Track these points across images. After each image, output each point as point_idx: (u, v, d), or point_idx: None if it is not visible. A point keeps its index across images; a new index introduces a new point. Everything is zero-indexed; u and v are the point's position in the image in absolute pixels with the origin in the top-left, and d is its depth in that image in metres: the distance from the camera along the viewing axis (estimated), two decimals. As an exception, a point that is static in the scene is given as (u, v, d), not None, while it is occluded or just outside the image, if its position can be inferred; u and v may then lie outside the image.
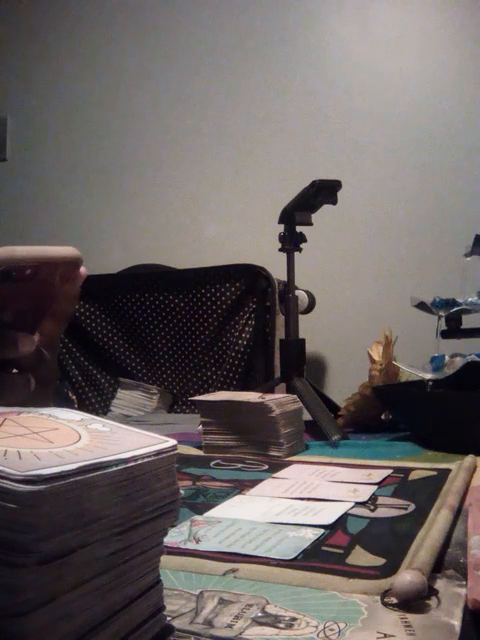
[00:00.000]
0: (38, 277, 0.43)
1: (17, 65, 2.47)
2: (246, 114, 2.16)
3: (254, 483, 0.71)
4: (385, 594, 0.41)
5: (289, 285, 1.20)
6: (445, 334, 1.07)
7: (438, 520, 0.53)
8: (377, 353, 1.13)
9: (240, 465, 0.83)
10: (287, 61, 2.12)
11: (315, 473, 0.75)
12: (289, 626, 0.37)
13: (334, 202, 1.13)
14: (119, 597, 0.31)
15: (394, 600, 0.40)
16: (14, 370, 0.44)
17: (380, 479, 0.72)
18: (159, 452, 0.33)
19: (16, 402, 0.42)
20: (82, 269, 0.45)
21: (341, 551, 0.50)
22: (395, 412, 1.09)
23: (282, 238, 1.19)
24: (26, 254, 0.40)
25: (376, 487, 0.69)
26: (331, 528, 0.55)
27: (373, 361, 1.12)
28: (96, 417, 0.37)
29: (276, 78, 2.13)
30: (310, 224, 1.16)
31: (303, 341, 1.20)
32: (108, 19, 2.35)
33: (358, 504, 0.62)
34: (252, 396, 0.91)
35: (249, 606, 0.40)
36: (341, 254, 2.02)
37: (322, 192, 1.12)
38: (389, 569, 0.45)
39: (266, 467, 0.81)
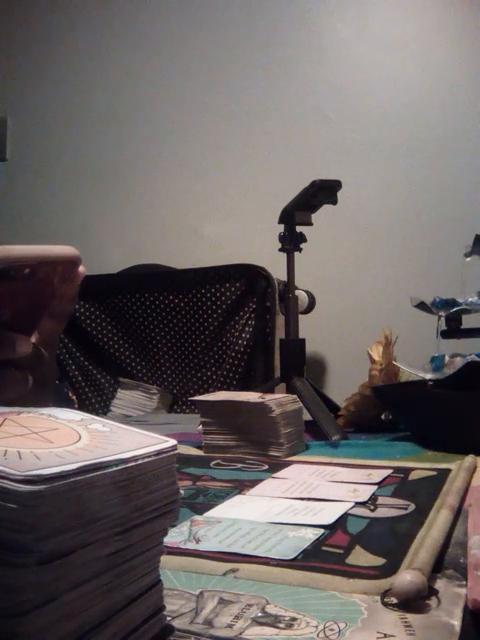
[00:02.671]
0: (36, 276, 0.43)
1: (17, 65, 2.47)
2: (246, 114, 2.16)
3: (254, 483, 0.71)
4: (385, 594, 0.41)
5: (289, 285, 1.20)
6: (445, 334, 1.07)
7: (438, 520, 0.53)
8: (377, 353, 1.13)
9: (240, 465, 0.83)
10: (287, 61, 2.12)
11: (315, 473, 0.75)
12: (289, 626, 0.37)
13: (334, 202, 1.13)
14: (119, 597, 0.31)
15: (394, 600, 0.40)
16: (12, 369, 0.44)
17: (380, 479, 0.72)
18: (159, 452, 0.33)
19: (13, 398, 0.42)
20: (80, 268, 0.45)
21: (341, 551, 0.50)
22: (395, 412, 1.09)
23: (282, 238, 1.18)
24: (23, 253, 0.40)
25: (376, 487, 0.69)
26: (331, 528, 0.55)
27: (373, 361, 1.12)
28: (96, 417, 0.37)
29: (276, 78, 2.13)
30: (310, 224, 1.16)
31: (303, 341, 1.20)
32: (108, 19, 2.35)
33: (358, 504, 0.62)
34: (252, 396, 0.91)
35: (249, 606, 0.40)
36: (341, 254, 2.02)
37: (322, 192, 1.12)
38: (389, 569, 0.45)
39: (266, 467, 0.81)
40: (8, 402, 0.40)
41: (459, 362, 0.99)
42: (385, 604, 0.40)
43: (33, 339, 0.46)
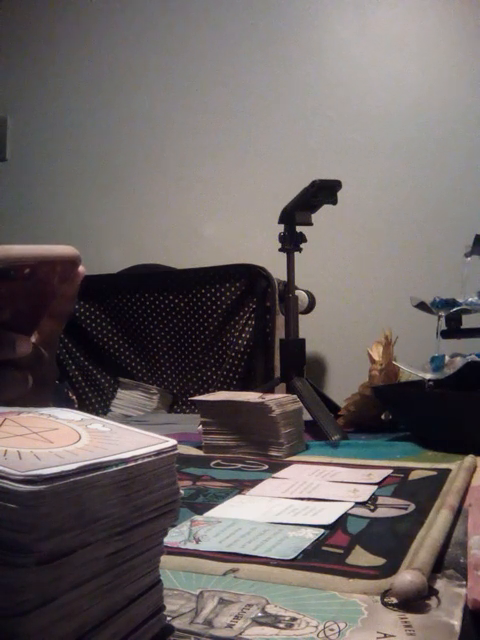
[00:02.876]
0: (36, 276, 0.43)
1: (17, 65, 2.47)
2: (246, 114, 2.16)
3: (254, 483, 0.71)
4: (385, 594, 0.41)
5: (289, 285, 1.20)
6: (445, 334, 1.07)
7: (438, 520, 0.53)
8: (377, 353, 1.12)
9: (240, 465, 0.83)
10: (287, 61, 2.12)
11: (315, 473, 0.75)
12: (289, 626, 0.37)
13: (334, 202, 1.13)
14: (119, 597, 0.31)
15: (394, 600, 0.40)
16: (13, 369, 0.44)
17: (380, 479, 0.72)
18: (159, 452, 0.33)
19: (13, 399, 0.42)
20: (80, 268, 0.45)
21: (341, 551, 0.50)
22: (395, 412, 1.09)
23: (282, 238, 1.18)
24: (23, 253, 0.40)
25: (376, 487, 0.69)
26: (331, 528, 0.55)
27: (373, 361, 1.12)
28: (96, 417, 0.37)
29: (276, 78, 2.13)
30: (310, 224, 1.16)
31: (303, 341, 1.20)
32: (108, 19, 2.35)
33: (358, 504, 0.62)
34: (252, 396, 0.91)
35: (249, 606, 0.40)
36: (341, 254, 2.02)
37: (322, 192, 1.12)
38: (389, 569, 0.45)
39: (266, 467, 0.81)
40: (8, 402, 0.40)
41: (459, 362, 0.99)
42: (385, 604, 0.40)
43: (33, 339, 0.46)
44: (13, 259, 0.39)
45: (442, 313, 1.05)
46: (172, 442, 0.34)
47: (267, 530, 0.54)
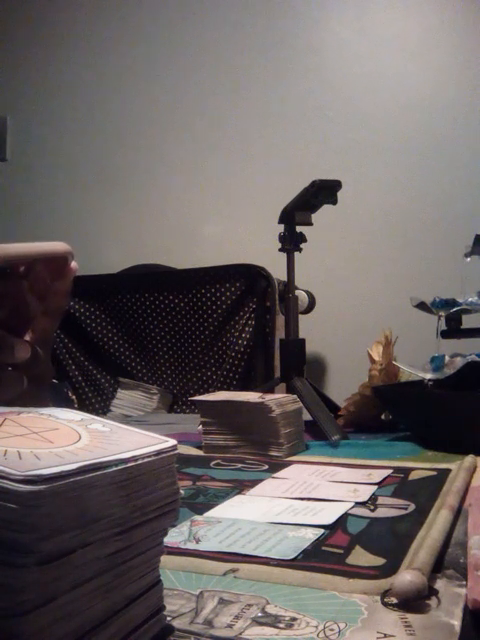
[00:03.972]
0: (32, 274, 0.43)
1: (17, 65, 2.47)
2: (246, 114, 2.16)
3: (254, 483, 0.71)
4: (385, 594, 0.41)
5: (289, 285, 1.20)
6: (445, 334, 1.07)
7: (438, 520, 0.53)
8: (377, 353, 1.12)
9: (240, 465, 0.83)
10: (287, 61, 2.12)
11: (315, 473, 0.75)
12: (289, 626, 0.37)
13: (334, 202, 1.13)
14: (119, 597, 0.31)
15: (394, 600, 0.40)
16: (9, 368, 0.44)
17: (380, 479, 0.72)
18: (159, 452, 0.33)
19: (8, 398, 0.42)
20: (73, 264, 0.45)
21: (341, 551, 0.50)
22: (395, 412, 1.09)
23: (282, 238, 1.18)
24: (20, 251, 0.40)
25: (376, 487, 0.69)
26: (331, 528, 0.55)
27: (373, 361, 1.12)
28: (96, 417, 0.37)
29: (276, 78, 2.13)
30: (310, 224, 1.16)
31: (303, 341, 1.20)
32: (108, 19, 2.35)
33: (358, 504, 0.62)
34: (252, 396, 0.91)
35: (249, 606, 0.40)
36: (341, 254, 2.02)
37: (322, 192, 1.12)
38: (389, 569, 0.45)
39: (266, 467, 0.81)
40: (7, 402, 0.40)
41: (459, 362, 0.99)
42: (385, 604, 0.40)
43: (27, 337, 0.46)
44: (10, 258, 0.40)
45: (442, 313, 1.05)
46: (172, 442, 0.34)
47: (267, 530, 0.54)
